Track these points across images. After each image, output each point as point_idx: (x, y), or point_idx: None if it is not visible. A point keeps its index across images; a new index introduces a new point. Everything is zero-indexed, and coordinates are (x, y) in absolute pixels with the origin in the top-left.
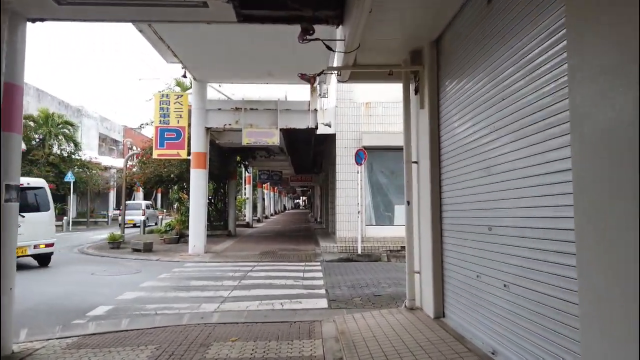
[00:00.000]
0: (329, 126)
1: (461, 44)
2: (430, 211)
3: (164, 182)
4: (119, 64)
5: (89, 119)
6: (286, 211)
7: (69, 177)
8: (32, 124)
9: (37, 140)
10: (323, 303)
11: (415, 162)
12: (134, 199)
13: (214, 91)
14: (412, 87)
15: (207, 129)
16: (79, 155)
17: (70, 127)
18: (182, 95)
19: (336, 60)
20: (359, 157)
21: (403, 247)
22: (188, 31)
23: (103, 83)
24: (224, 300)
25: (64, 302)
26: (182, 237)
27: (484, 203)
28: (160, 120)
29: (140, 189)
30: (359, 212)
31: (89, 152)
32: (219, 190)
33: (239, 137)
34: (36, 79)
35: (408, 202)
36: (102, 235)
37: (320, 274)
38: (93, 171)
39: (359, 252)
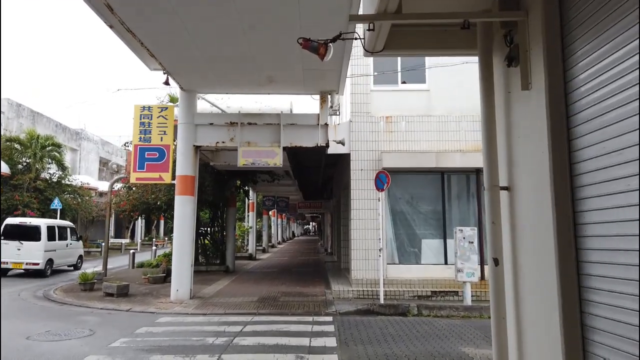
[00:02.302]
0: (343, 144)
1: None
2: (559, 287)
3: (151, 210)
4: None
5: (89, 142)
6: (295, 238)
7: (56, 204)
8: (18, 146)
9: (24, 164)
10: None
11: (506, 188)
12: (134, 227)
13: (204, 103)
14: (496, 57)
15: (196, 147)
16: (69, 180)
17: (59, 150)
18: (166, 108)
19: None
20: (379, 182)
21: (434, 292)
22: (164, 22)
23: (110, 107)
24: None
25: None
26: (169, 275)
27: None
28: (140, 138)
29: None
30: (380, 250)
31: (88, 177)
32: (215, 219)
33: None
34: (32, 101)
35: (496, 261)
36: (87, 270)
37: (333, 341)
38: (85, 198)
39: (382, 301)
